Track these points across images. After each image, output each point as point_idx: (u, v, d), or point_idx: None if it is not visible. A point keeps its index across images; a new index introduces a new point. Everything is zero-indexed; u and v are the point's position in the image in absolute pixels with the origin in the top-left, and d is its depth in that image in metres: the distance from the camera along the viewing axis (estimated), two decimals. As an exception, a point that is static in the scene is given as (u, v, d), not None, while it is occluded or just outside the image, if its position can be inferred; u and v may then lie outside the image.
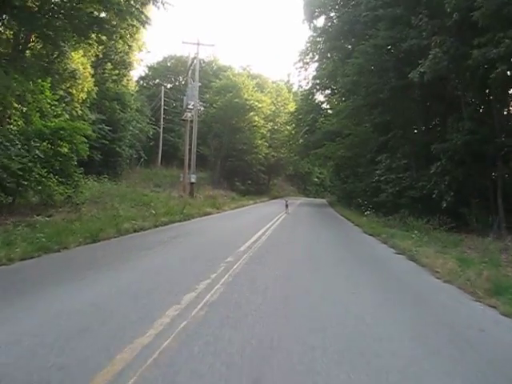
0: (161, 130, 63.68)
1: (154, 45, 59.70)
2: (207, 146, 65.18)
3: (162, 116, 64.89)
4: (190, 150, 44.64)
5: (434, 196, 25.34)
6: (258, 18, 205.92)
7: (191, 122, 44.65)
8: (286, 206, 36.91)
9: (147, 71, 79.73)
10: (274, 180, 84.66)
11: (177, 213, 25.33)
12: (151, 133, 61.42)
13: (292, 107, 73.69)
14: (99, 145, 44.11)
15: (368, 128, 39.86)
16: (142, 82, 78.87)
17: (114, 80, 50.50)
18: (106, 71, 50.04)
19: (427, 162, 28.62)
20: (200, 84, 47.09)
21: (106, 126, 45.90)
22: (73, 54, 32.52)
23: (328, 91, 53.19)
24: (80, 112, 38.28)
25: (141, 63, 62.91)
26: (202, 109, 46.22)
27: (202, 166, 67.81)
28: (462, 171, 24.45)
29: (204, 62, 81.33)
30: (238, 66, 78.21)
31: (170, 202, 31.46)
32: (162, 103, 65.64)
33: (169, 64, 79.59)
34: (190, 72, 46.85)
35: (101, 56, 47.57)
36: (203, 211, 30.13)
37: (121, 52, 49.97)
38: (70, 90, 36.70)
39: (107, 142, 45.79)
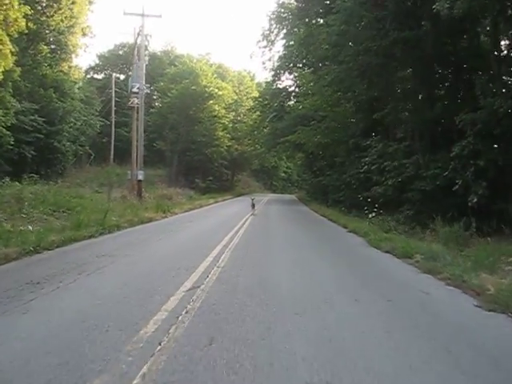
0: (112, 124, 54.42)
1: (105, 32, 51.04)
2: (163, 139, 56.63)
3: (114, 108, 55.32)
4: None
5: (455, 188, 17.27)
6: (219, 7, 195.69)
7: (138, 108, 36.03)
8: (253, 205, 28.66)
9: (97, 61, 70.38)
10: (238, 176, 76.00)
11: (96, 223, 17.01)
12: (98, 126, 52.88)
13: (256, 94, 64.83)
14: (32, 139, 35.63)
15: (349, 108, 31.67)
16: (91, 72, 69.86)
17: (50, 64, 41.49)
18: (38, 53, 41.08)
19: (437, 143, 21.05)
20: (147, 63, 38.80)
21: (40, 116, 37.17)
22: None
23: (298, 66, 43.88)
24: None
25: (86, 49, 54.43)
26: (149, 91, 37.41)
27: (160, 163, 59.84)
28: (500, 152, 16.45)
29: (162, 52, 73.16)
30: (197, 55, 69.32)
31: (103, 206, 23.89)
32: (114, 94, 55.86)
33: (121, 53, 69.52)
34: (135, 51, 37.97)
35: (27, 33, 38.88)
36: (142, 217, 21.85)
37: (55, 30, 41.17)
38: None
39: (42, 136, 37.18)
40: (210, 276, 9.27)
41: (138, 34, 36.33)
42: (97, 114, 55.64)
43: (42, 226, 16.11)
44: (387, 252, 13.54)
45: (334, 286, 9.07)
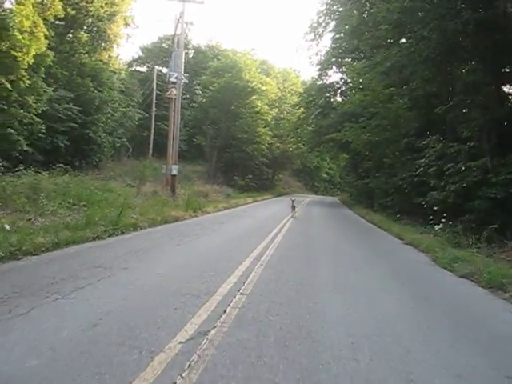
0: (152, 117, 51.94)
1: (149, 25, 48.72)
2: (203, 134, 53.97)
3: (154, 101, 52.84)
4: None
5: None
6: (267, 2, 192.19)
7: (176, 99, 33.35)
8: (293, 207, 25.61)
9: (140, 53, 68.01)
10: (278, 175, 72.59)
11: (109, 221, 14.32)
12: (137, 118, 50.37)
13: (301, 91, 61.28)
14: (66, 128, 33.31)
15: (402, 105, 28.28)
16: (134, 64, 67.52)
17: (88, 52, 39.18)
18: (76, 39, 38.81)
19: (507, 144, 18.29)
20: (187, 51, 36.12)
21: (76, 105, 34.87)
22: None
23: (347, 61, 40.14)
24: (28, 81, 27.10)
25: (128, 40, 52.24)
26: (187, 81, 34.72)
27: (199, 158, 57.27)
28: None
29: (207, 47, 70.48)
30: (242, 50, 66.26)
31: (128, 201, 21.19)
32: (155, 87, 53.39)
33: (164, 45, 66.72)
34: (175, 38, 35.31)
35: (65, 18, 36.65)
36: (168, 215, 19.10)
37: (94, 17, 38.90)
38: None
39: (77, 126, 34.77)
40: (226, 313, 6.37)
41: (178, 21, 33.74)
42: (137, 106, 53.26)
43: (48, 222, 14.01)
44: (464, 277, 10.39)
45: (407, 339, 6.01)
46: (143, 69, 66.74)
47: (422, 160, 22.74)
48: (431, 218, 19.53)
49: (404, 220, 24.20)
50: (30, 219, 14.36)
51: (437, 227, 17.83)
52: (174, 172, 30.55)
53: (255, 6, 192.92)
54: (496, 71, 19.75)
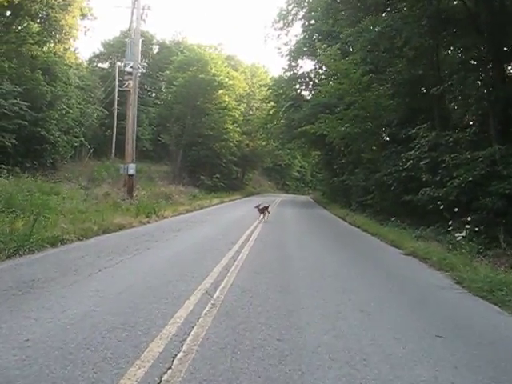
0: (114, 116, 47.85)
1: (111, 19, 44.90)
2: (168, 132, 49.99)
3: (116, 99, 48.74)
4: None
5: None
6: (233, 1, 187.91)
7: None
8: (261, 210, 21.77)
9: (102, 49, 63.28)
10: (248, 174, 68.70)
11: (20, 234, 10.50)
12: (96, 115, 46.27)
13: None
14: (14, 126, 29.36)
15: (383, 92, 24.79)
16: (96, 60, 62.94)
17: (37, 42, 35.08)
18: (24, 29, 34.71)
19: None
20: (143, 38, 32.21)
21: (24, 101, 30.92)
22: None
23: (319, 46, 36.27)
24: None
25: (87, 33, 47.92)
26: (144, 71, 30.79)
27: (165, 158, 53.32)
28: None
29: (172, 43, 66.48)
30: (208, 45, 62.25)
31: (72, 206, 18.60)
32: (116, 83, 49.16)
33: (127, 40, 62.63)
34: (132, 25, 31.42)
35: (8, 3, 32.51)
36: (109, 223, 15.19)
37: (43, 3, 34.78)
38: None
39: (26, 123, 30.68)
40: None
41: (134, 6, 29.91)
42: (98, 103, 49.20)
43: None
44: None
45: None
46: (105, 65, 62.27)
47: (412, 152, 19.23)
48: (450, 224, 15.47)
49: (391, 221, 20.59)
50: None
51: (458, 235, 13.75)
52: (131, 171, 26.79)
53: (222, 1, 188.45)
54: (497, 46, 16.36)
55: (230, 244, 12.83)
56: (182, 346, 4.94)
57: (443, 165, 16.72)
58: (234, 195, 47.52)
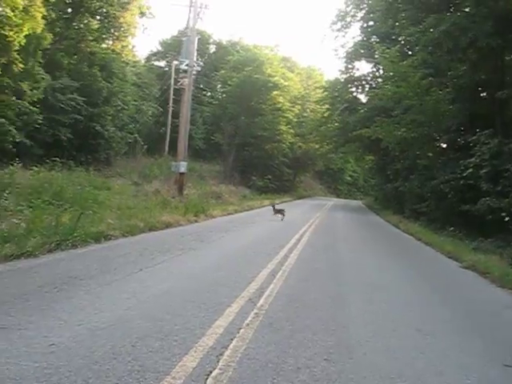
0: (169, 114, 48.05)
1: (170, 18, 45.30)
2: (221, 132, 49.87)
3: (172, 97, 48.94)
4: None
5: None
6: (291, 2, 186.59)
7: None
8: (276, 210, 22.23)
9: (160, 47, 63.77)
10: (300, 176, 67.86)
11: (64, 228, 10.29)
12: (150, 112, 46.58)
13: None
14: (70, 120, 29.65)
15: (442, 97, 23.85)
16: (153, 59, 63.52)
17: (95, 38, 35.50)
18: (84, 25, 35.12)
19: None
20: (199, 37, 32.10)
21: (81, 96, 31.30)
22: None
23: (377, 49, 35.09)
24: (22, 65, 23.68)
25: (145, 31, 48.68)
26: (199, 69, 30.54)
27: (218, 157, 53.24)
28: None
29: (229, 43, 66.31)
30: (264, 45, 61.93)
31: (122, 202, 18.73)
32: (172, 81, 49.35)
33: (184, 39, 62.98)
34: (190, 23, 31.31)
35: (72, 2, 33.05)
36: (156, 221, 14.87)
37: (103, 1, 35.11)
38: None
39: (82, 118, 31.00)
40: None
41: (191, 5, 29.89)
42: (153, 101, 49.62)
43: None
44: None
45: None
46: (162, 63, 62.80)
47: (471, 160, 18.35)
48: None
49: (446, 231, 19.68)
50: None
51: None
52: (182, 169, 26.72)
53: (280, 3, 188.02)
54: None
55: (278, 248, 12.32)
56: (218, 362, 4.46)
57: (505, 174, 15.85)
58: (285, 197, 46.89)
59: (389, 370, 4.77)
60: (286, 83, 51.34)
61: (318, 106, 54.41)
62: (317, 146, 57.34)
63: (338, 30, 42.92)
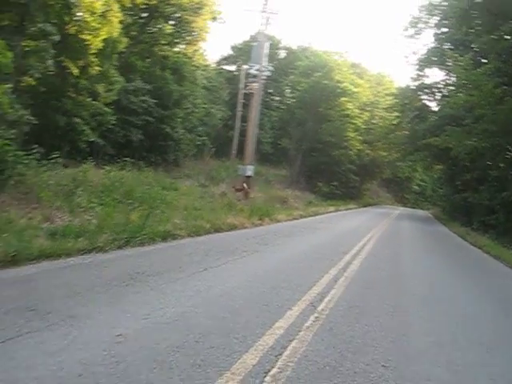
0: (237, 117, 48.52)
1: (241, 24, 46.01)
2: (289, 137, 49.98)
3: (241, 101, 49.40)
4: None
5: None
6: (361, 8, 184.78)
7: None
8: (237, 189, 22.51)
9: (231, 52, 64.55)
10: (366, 183, 66.95)
11: (134, 226, 10.65)
12: (219, 116, 47.15)
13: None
14: (141, 122, 30.48)
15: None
16: (223, 63, 64.23)
17: (169, 42, 36.37)
18: (158, 30, 35.99)
19: None
20: (270, 42, 32.39)
21: (153, 98, 32.09)
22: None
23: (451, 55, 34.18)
24: (98, 68, 24.52)
25: (216, 35, 49.35)
26: (270, 74, 30.74)
27: (284, 162, 53.34)
28: None
29: (299, 48, 66.38)
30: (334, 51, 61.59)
31: (189, 203, 19.08)
32: (242, 85, 49.92)
33: (255, 44, 63.54)
34: (261, 28, 31.65)
35: (146, 6, 33.87)
36: (222, 223, 15.10)
37: (177, 5, 35.93)
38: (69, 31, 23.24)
39: (153, 120, 31.76)
40: None
41: (263, 10, 30.25)
42: (222, 104, 50.24)
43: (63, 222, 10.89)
44: None
45: None
46: (232, 68, 63.46)
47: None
48: None
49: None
50: (49, 216, 11.08)
51: None
52: (249, 173, 27.07)
53: (350, 9, 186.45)
54: None
55: (341, 254, 12.29)
56: (277, 361, 4.56)
57: None
58: (351, 204, 46.46)
59: (449, 383, 4.75)
60: (355, 90, 50.91)
61: (387, 113, 53.48)
62: (384, 154, 56.46)
63: (410, 37, 42.15)
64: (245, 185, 25.36)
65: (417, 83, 43.75)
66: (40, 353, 4.12)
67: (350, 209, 42.04)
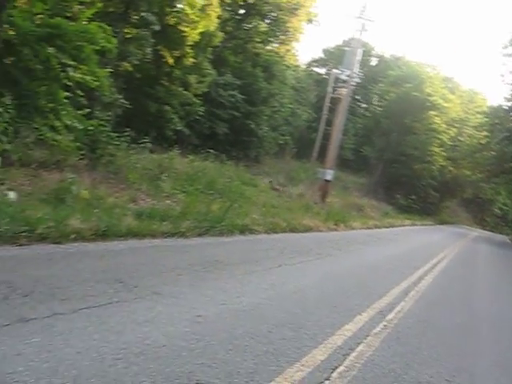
0: (322, 120, 48.55)
1: (334, 26, 46.08)
2: (371, 145, 49.63)
3: (327, 104, 49.31)
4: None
5: None
6: (457, 21, 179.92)
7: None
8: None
9: (322, 55, 64.57)
10: (446, 201, 65.29)
11: (214, 216, 11.07)
12: (304, 117, 47.28)
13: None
14: (227, 116, 31.10)
15: None
16: (313, 65, 64.43)
17: (262, 41, 36.84)
18: (253, 27, 36.53)
19: None
20: (363, 49, 32.29)
21: (241, 94, 32.64)
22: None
23: None
24: (192, 60, 25.28)
25: (310, 37, 49.61)
26: (359, 80, 30.68)
27: (364, 170, 53.02)
28: None
29: (391, 57, 65.68)
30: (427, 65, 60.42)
31: (267, 200, 19.51)
32: (330, 89, 49.78)
33: (347, 49, 63.20)
34: (355, 35, 31.68)
35: (244, 2, 34.52)
36: (297, 223, 15.38)
37: (274, 5, 36.37)
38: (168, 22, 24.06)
39: (239, 115, 32.31)
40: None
41: (359, 16, 30.28)
42: (308, 106, 50.38)
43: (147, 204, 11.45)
44: None
45: None
46: (322, 71, 63.51)
47: None
48: None
49: None
50: (134, 197, 11.67)
51: None
52: (328, 177, 27.19)
53: (448, 21, 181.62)
54: None
55: (413, 269, 12.22)
56: (344, 360, 4.74)
57: None
58: (427, 220, 45.57)
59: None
60: (446, 104, 49.85)
61: (476, 132, 52.04)
62: (468, 173, 54.88)
63: (509, 55, 40.83)
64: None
65: (510, 103, 42.40)
66: (129, 321, 4.50)
67: (426, 225, 41.30)
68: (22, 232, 6.47)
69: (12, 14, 11.55)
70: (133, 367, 3.57)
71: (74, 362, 3.45)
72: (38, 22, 11.73)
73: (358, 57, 29.52)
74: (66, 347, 3.66)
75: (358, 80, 29.64)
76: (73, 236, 7.12)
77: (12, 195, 7.82)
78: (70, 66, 11.74)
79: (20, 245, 6.33)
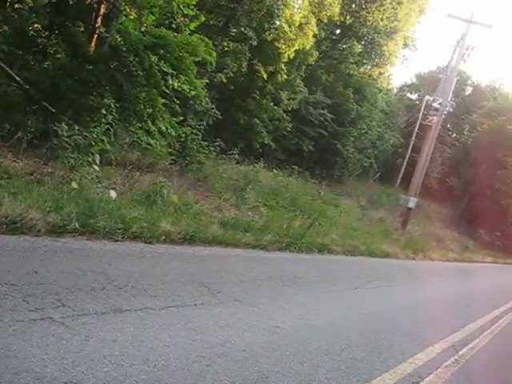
0: (409, 146, 48.05)
1: (428, 51, 45.52)
2: (458, 176, 48.43)
3: (416, 131, 48.69)
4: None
5: None
6: None
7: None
8: None
9: (414, 80, 63.65)
10: (532, 240, 62.67)
11: (294, 233, 11.29)
12: (391, 142, 46.75)
13: None
14: (315, 134, 31.44)
15: None
16: (405, 89, 63.55)
17: (356, 62, 36.86)
18: (348, 48, 36.58)
19: None
20: (458, 78, 31.67)
21: (330, 113, 32.82)
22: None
23: None
24: (285, 76, 25.75)
25: (404, 62, 48.84)
26: (451, 110, 30.03)
27: (447, 200, 51.73)
28: None
29: (487, 87, 63.83)
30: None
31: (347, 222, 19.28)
32: (420, 115, 49.09)
33: (441, 76, 61.90)
34: (452, 63, 31.12)
35: (341, 23, 34.84)
36: (375, 248, 15.29)
37: (371, 28, 36.33)
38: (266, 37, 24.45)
39: (326, 134, 32.50)
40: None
41: (458, 44, 29.72)
42: (396, 131, 49.83)
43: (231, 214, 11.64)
44: None
45: None
46: (413, 96, 62.59)
47: None
48: None
49: None
50: (218, 206, 12.09)
51: None
52: (411, 205, 26.71)
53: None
54: None
55: (492, 307, 11.93)
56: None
57: None
58: (511, 259, 43.98)
59: None
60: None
61: None
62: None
63: None
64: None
65: None
66: (211, 323, 4.81)
67: (510, 263, 39.84)
68: (118, 229, 6.95)
69: (123, 22, 12.30)
70: (214, 366, 3.86)
71: (162, 354, 3.77)
72: (142, 31, 12.40)
73: (453, 86, 28.92)
74: (155, 340, 4.00)
75: (450, 109, 28.99)
76: (163, 237, 7.55)
77: (113, 194, 8.31)
78: (169, 74, 12.27)
79: (115, 240, 6.79)
